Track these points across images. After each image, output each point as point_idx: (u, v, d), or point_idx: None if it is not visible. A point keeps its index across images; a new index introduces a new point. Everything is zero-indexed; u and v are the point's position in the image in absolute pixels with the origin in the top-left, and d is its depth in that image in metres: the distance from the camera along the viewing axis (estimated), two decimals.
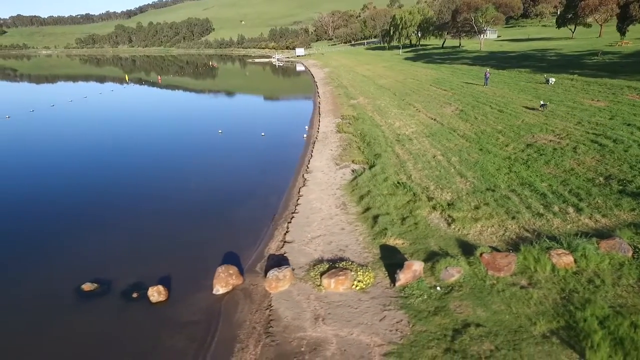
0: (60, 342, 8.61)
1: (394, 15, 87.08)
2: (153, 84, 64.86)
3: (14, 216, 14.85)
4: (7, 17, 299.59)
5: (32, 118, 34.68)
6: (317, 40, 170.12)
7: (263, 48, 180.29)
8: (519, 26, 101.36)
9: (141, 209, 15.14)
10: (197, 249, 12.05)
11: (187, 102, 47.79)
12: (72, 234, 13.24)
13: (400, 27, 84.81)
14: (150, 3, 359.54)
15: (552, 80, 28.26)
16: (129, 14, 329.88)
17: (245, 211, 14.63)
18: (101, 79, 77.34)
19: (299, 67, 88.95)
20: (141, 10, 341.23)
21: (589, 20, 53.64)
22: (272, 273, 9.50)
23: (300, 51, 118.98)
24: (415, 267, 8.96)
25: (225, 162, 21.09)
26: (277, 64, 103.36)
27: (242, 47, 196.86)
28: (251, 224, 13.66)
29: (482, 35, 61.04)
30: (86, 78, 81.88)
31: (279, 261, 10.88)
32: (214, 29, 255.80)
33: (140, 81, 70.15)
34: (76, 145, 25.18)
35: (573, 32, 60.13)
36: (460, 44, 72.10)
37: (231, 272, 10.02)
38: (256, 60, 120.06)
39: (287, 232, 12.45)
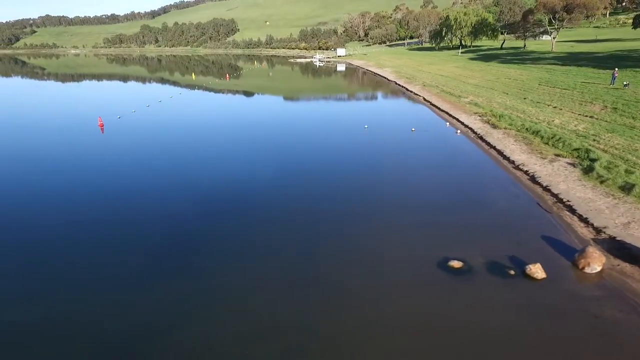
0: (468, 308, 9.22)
1: (447, 16, 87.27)
2: (214, 86, 66.00)
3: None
4: (37, 17, 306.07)
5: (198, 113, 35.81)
6: (347, 42, 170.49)
7: (293, 48, 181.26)
8: (566, 28, 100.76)
9: (409, 201, 15.84)
10: (508, 233, 12.62)
11: (292, 103, 48.10)
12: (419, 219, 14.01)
13: (454, 27, 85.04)
14: (173, 4, 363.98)
15: None
16: (153, 14, 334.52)
17: (501, 200, 15.19)
18: (172, 81, 78.90)
19: (340, 67, 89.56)
20: (164, 10, 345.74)
21: None
22: None
23: (341, 51, 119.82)
24: None
25: (411, 156, 21.81)
26: (317, 64, 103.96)
27: (271, 48, 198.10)
28: (523, 212, 14.22)
29: (552, 36, 61.04)
30: (161, 80, 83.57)
31: (618, 244, 11.42)
32: (239, 30, 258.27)
33: (203, 85, 70.98)
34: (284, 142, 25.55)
35: None
36: (524, 45, 72.09)
37: (598, 252, 10.57)
38: (297, 60, 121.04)
39: (585, 218, 12.97)
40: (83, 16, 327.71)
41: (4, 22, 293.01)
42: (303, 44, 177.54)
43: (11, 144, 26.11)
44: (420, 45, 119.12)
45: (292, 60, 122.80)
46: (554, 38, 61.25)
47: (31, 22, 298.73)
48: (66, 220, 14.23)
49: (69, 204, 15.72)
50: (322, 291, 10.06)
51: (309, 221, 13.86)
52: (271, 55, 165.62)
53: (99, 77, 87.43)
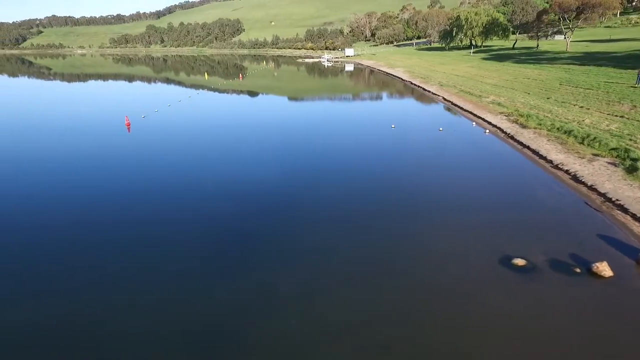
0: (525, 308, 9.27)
1: (458, 16, 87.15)
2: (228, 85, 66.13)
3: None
4: (43, 17, 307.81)
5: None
6: (354, 42, 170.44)
7: (299, 49, 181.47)
8: (577, 27, 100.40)
9: (454, 201, 15.89)
10: (563, 232, 12.64)
11: (312, 103, 48.19)
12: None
13: (465, 27, 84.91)
14: (178, 4, 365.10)
15: None
16: (158, 14, 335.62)
17: (548, 199, 15.20)
18: (187, 82, 79.11)
19: (350, 68, 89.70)
20: (170, 10, 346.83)
21: None
22: None
23: (349, 51, 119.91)
24: None
25: (446, 155, 21.88)
26: (326, 64, 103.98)
27: (277, 48, 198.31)
28: (572, 211, 14.23)
29: (567, 36, 60.89)
30: (175, 80, 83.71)
31: None
32: (244, 30, 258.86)
33: (216, 85, 71.04)
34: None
35: None
36: (537, 45, 71.92)
37: None
38: (305, 60, 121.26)
39: (639, 218, 12.99)
40: (89, 16, 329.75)
41: (10, 22, 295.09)
42: (309, 44, 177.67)
43: (49, 145, 26.31)
44: (429, 45, 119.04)
45: (300, 60, 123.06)
46: (568, 38, 61.07)
47: (38, 22, 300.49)
48: (112, 219, 14.33)
49: (115, 203, 15.85)
50: (389, 289, 10.12)
51: (360, 219, 13.91)
52: (277, 56, 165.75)
53: (108, 77, 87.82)
